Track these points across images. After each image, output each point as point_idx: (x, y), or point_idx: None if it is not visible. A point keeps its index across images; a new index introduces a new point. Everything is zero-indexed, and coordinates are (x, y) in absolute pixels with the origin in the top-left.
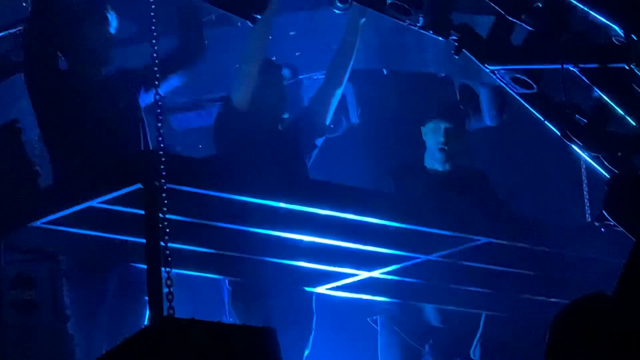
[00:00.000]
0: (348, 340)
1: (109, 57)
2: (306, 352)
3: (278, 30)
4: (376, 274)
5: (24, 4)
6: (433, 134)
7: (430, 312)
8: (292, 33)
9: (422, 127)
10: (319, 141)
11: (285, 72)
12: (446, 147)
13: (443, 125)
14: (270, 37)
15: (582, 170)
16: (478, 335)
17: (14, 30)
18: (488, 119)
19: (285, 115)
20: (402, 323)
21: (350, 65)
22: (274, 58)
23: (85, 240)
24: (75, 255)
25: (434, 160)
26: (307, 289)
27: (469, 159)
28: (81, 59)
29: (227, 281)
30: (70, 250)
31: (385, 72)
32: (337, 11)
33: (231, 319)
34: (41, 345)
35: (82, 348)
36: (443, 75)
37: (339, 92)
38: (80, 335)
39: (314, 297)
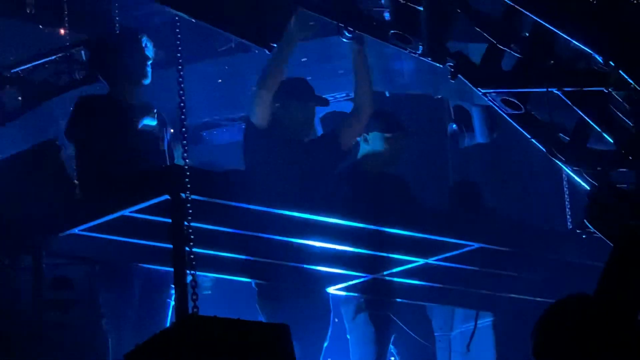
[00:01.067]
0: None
1: (146, 76)
2: (325, 344)
3: (291, 57)
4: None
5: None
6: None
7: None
8: (303, 59)
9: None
10: (339, 162)
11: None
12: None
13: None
14: (286, 65)
15: (564, 182)
16: (473, 332)
17: (53, 57)
18: (480, 136)
19: (312, 133)
20: (374, 318)
21: (371, 89)
22: (310, 78)
23: (117, 246)
24: (107, 260)
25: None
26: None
27: (464, 172)
28: (119, 82)
29: (253, 283)
30: (104, 255)
31: (387, 94)
32: (344, 39)
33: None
34: (78, 341)
35: (113, 344)
36: (439, 97)
37: (365, 118)
38: (112, 332)
39: (330, 297)
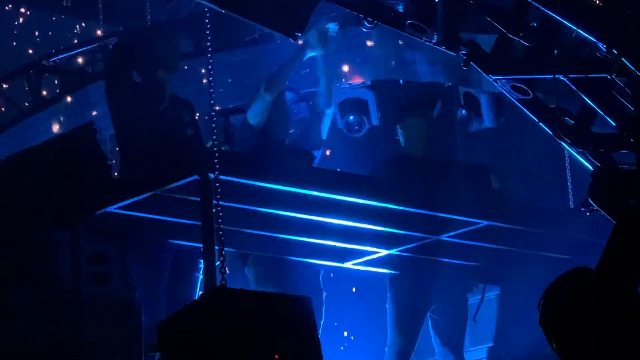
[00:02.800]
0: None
1: (177, 66)
2: (321, 322)
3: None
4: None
5: (99, 30)
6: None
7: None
8: None
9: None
10: (317, 153)
11: (288, 95)
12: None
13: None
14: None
15: (566, 164)
16: (480, 303)
17: (88, 47)
18: (487, 121)
19: (291, 131)
20: (411, 292)
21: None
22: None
23: (150, 223)
24: (140, 236)
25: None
26: (336, 264)
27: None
28: (151, 73)
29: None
30: (137, 231)
31: (401, 82)
32: (364, 29)
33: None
34: (113, 312)
35: (146, 315)
36: (449, 84)
37: (329, 112)
38: (144, 304)
39: (321, 274)
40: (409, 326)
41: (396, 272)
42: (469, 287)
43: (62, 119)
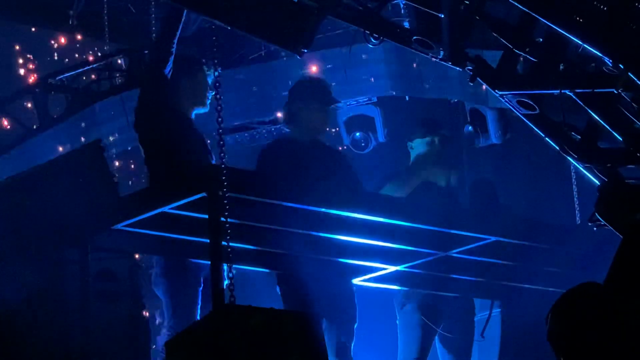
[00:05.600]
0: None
1: (205, 102)
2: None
3: (318, 64)
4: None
5: (105, 47)
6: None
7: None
8: (329, 66)
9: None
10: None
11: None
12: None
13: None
14: None
15: (573, 180)
16: (487, 319)
17: (94, 65)
18: (494, 137)
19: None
20: (422, 308)
21: None
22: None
23: (158, 241)
24: (148, 254)
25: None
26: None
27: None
28: (182, 101)
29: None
30: (145, 249)
31: (407, 99)
32: (370, 45)
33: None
34: (122, 329)
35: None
36: (455, 100)
37: None
38: (153, 321)
39: (354, 290)
40: (421, 343)
41: (405, 289)
42: (476, 303)
43: (69, 136)
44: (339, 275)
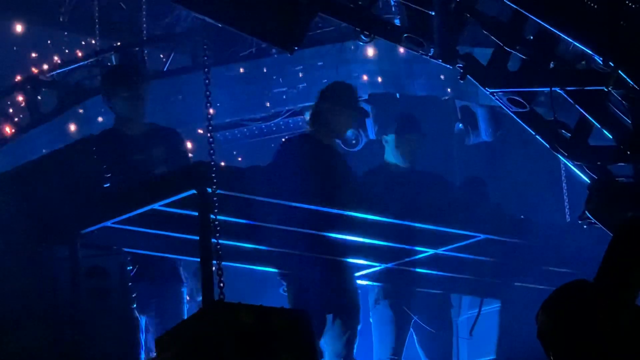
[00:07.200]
0: None
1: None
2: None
3: (309, 62)
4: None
5: (93, 42)
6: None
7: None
8: (320, 63)
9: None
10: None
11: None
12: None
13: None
14: None
15: (562, 177)
16: (477, 317)
17: (85, 62)
18: (484, 134)
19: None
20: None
21: None
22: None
23: (147, 238)
24: (137, 250)
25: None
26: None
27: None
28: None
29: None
30: (134, 246)
31: (398, 96)
32: (361, 43)
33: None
34: (112, 325)
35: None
36: (446, 98)
37: None
38: (142, 318)
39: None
40: (395, 338)
41: (379, 285)
42: (465, 301)
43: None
44: (339, 275)
